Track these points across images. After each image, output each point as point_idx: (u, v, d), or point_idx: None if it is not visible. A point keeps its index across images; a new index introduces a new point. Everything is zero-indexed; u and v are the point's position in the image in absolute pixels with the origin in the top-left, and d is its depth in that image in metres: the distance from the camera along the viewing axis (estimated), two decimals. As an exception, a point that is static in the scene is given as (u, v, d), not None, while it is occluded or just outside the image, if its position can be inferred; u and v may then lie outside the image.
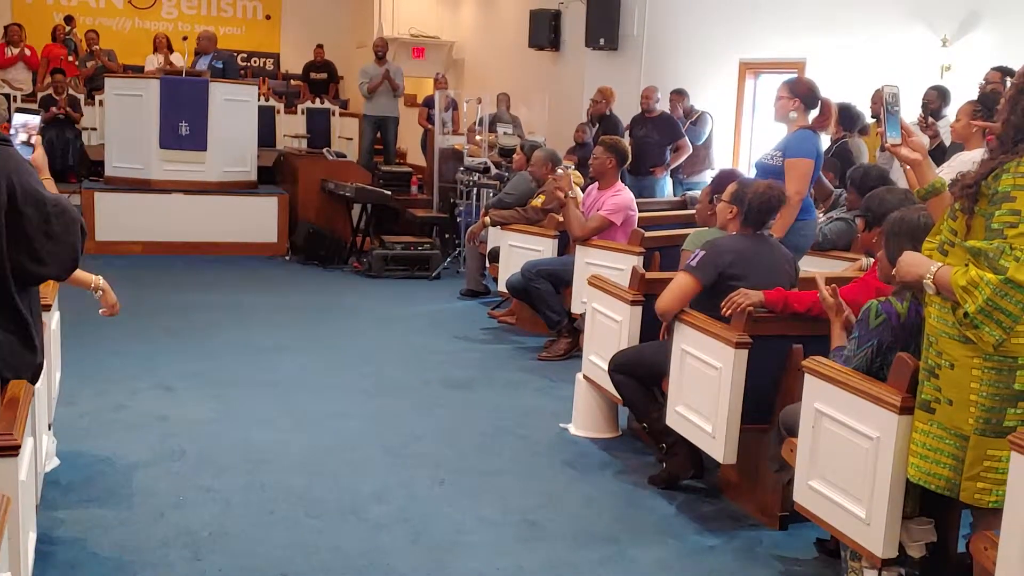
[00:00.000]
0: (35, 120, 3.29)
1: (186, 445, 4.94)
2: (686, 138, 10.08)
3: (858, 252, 5.91)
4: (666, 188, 10.33)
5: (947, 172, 5.08)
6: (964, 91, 6.98)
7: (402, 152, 15.25)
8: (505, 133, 11.05)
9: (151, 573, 3.64)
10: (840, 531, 3.47)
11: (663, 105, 10.37)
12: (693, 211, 6.47)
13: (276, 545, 3.90)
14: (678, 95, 10.46)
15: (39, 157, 3.47)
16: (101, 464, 4.65)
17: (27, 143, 3.30)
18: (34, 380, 3.22)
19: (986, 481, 2.94)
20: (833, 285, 3.92)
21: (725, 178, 5.45)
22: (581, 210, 6.98)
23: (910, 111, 7.33)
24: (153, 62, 12.95)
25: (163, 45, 13.45)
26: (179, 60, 13.04)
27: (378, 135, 13.11)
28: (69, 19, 15.23)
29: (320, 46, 15.94)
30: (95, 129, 12.61)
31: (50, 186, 3.26)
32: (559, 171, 7.16)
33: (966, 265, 2.85)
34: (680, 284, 4.41)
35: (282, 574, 3.68)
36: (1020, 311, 2.77)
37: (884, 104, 3.29)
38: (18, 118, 3.43)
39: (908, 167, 3.33)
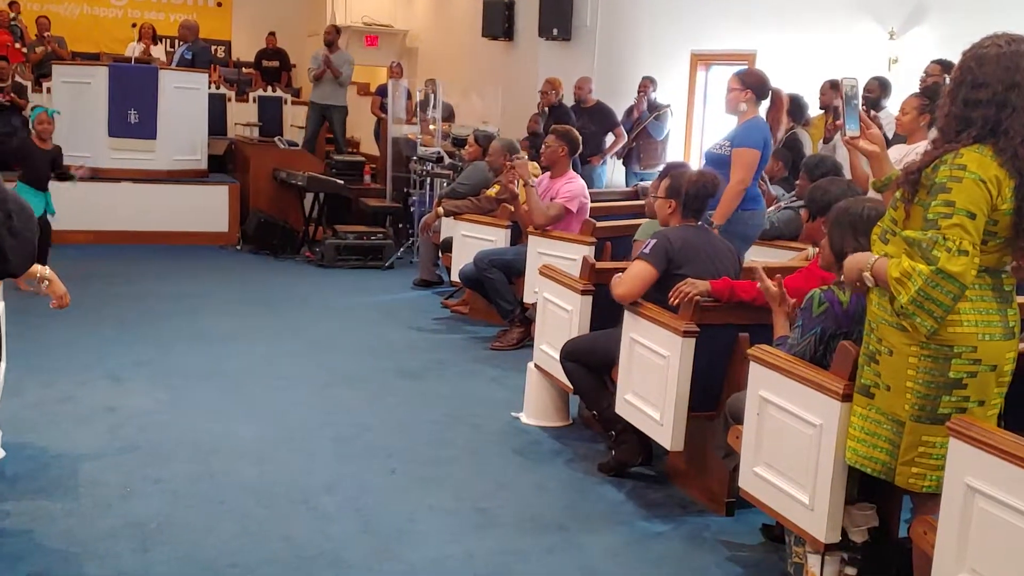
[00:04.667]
0: None
1: (134, 436, 4.91)
2: (622, 127, 10.17)
3: (805, 242, 5.98)
4: (604, 177, 10.42)
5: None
6: (911, 84, 7.09)
7: (355, 141, 15.17)
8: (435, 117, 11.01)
9: (98, 565, 3.62)
10: (784, 516, 3.53)
11: (622, 92, 10.41)
12: (644, 201, 6.50)
13: (226, 536, 3.89)
14: (648, 81, 10.48)
15: None
16: (47, 455, 4.60)
17: None
18: None
19: (920, 466, 3.01)
20: (778, 276, 3.98)
21: (675, 171, 5.49)
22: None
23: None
24: (135, 50, 12.82)
25: (148, 35, 13.29)
26: (159, 53, 12.95)
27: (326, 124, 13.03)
28: (14, 4, 14.97)
29: (272, 34, 15.82)
30: (42, 117, 12.40)
31: None
32: (516, 159, 7.15)
33: (902, 257, 2.90)
34: (638, 271, 4.46)
35: (232, 564, 3.67)
36: (951, 301, 2.83)
37: (844, 97, 3.33)
38: None
39: (861, 159, 3.39)
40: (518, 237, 7.38)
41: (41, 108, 8.37)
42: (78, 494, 4.20)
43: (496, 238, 7.52)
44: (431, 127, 10.96)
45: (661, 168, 10.06)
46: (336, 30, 13.06)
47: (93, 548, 3.73)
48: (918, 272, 2.82)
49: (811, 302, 3.48)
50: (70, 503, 4.11)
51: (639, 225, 5.99)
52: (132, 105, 10.26)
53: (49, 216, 7.89)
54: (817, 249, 4.36)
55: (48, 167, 7.94)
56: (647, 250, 4.47)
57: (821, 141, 7.88)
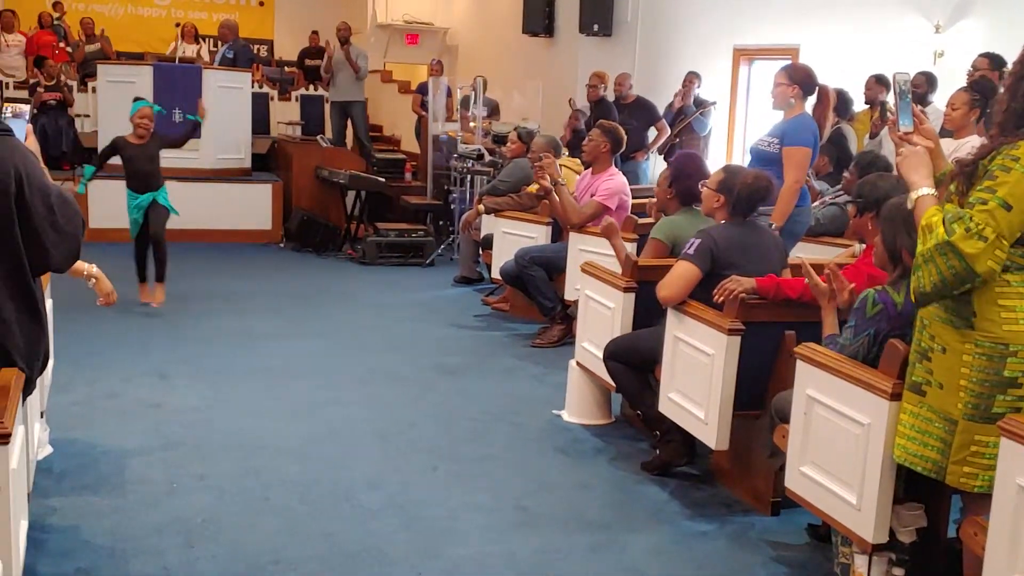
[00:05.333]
0: (24, 108, 3.31)
1: (179, 432, 4.95)
2: (664, 120, 10.11)
3: (851, 238, 5.92)
4: (649, 172, 10.37)
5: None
6: (957, 78, 6.99)
7: (396, 139, 15.21)
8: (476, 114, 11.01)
9: (144, 560, 3.65)
10: (831, 516, 3.48)
11: (664, 87, 10.36)
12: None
13: (269, 532, 3.91)
14: (694, 76, 10.42)
15: (31, 146, 3.47)
16: (94, 452, 4.65)
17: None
18: (43, 368, 3.24)
19: (972, 466, 2.95)
20: (826, 272, 3.92)
21: (683, 163, 5.41)
22: (574, 195, 6.98)
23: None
24: (183, 50, 12.92)
25: (191, 34, 13.39)
26: (203, 53, 13.04)
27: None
28: (57, 5, 15.14)
29: (315, 32, 15.88)
30: (88, 116, 12.57)
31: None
32: (544, 157, 7.08)
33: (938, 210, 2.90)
34: (682, 272, 4.40)
35: (275, 561, 3.69)
36: (952, 277, 2.82)
37: (897, 91, 3.27)
38: (16, 108, 3.45)
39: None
40: (559, 234, 7.36)
41: (144, 101, 7.80)
42: (124, 490, 4.24)
43: (537, 235, 7.50)
44: (471, 124, 10.96)
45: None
46: (347, 25, 13.05)
47: (139, 544, 3.76)
48: (936, 234, 2.83)
49: (865, 302, 3.42)
50: (117, 499, 4.14)
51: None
52: (176, 104, 10.34)
53: (172, 214, 7.62)
54: (863, 245, 4.30)
55: (151, 163, 7.46)
56: (691, 250, 4.41)
57: (867, 136, 7.79)
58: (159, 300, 7.40)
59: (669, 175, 5.31)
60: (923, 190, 3.00)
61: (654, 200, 5.73)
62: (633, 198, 7.57)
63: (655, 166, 10.77)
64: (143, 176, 7.37)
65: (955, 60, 7.68)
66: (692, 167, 5.29)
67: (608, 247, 6.39)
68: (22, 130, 3.42)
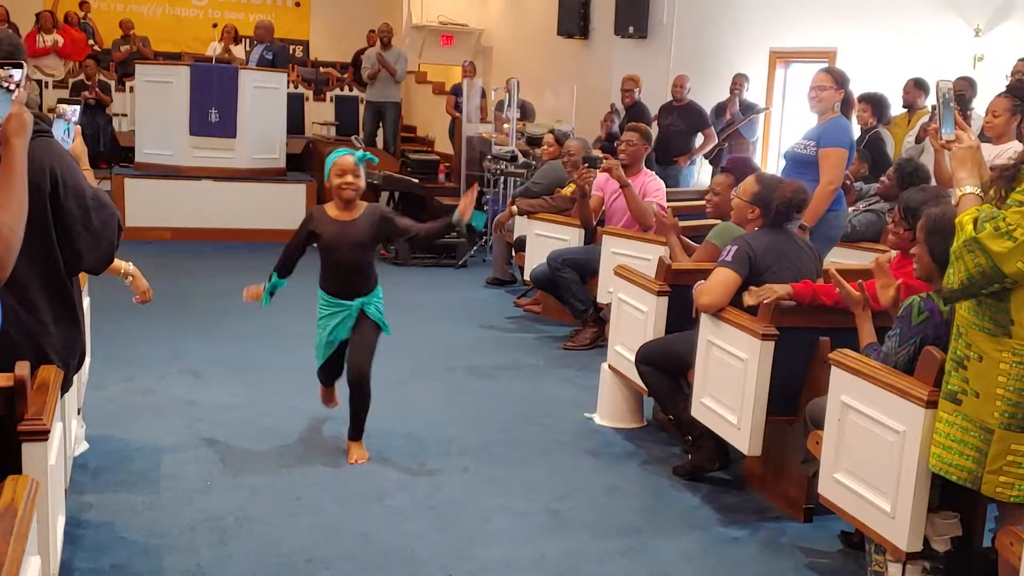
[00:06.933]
0: (74, 109, 3.34)
1: (213, 431, 4.99)
2: (712, 128, 10.03)
3: (887, 244, 5.86)
4: (691, 178, 10.30)
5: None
6: (997, 82, 6.92)
7: (430, 140, 15.25)
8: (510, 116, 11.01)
9: (178, 557, 3.68)
10: (865, 524, 3.46)
11: (699, 90, 10.31)
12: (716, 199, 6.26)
13: (301, 531, 3.93)
14: (742, 78, 10.33)
15: (78, 147, 3.50)
16: (129, 449, 4.70)
17: (64, 137, 3.37)
18: (79, 366, 3.28)
19: (1009, 475, 2.93)
20: (860, 280, 3.90)
21: (743, 168, 5.35)
22: (600, 196, 6.96)
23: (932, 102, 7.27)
24: (216, 49, 13.06)
25: (230, 35, 13.52)
26: (239, 53, 13.17)
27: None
28: (84, 4, 15.28)
29: (373, 31, 15.93)
30: (125, 115, 12.70)
31: (88, 177, 3.29)
32: (603, 160, 6.99)
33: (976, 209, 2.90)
34: (723, 279, 4.37)
35: (307, 560, 3.71)
36: (978, 274, 2.84)
37: (940, 99, 3.25)
38: (61, 109, 3.48)
39: (948, 161, 3.32)
40: (591, 236, 7.35)
41: (343, 150, 5.01)
42: (159, 487, 4.28)
43: (569, 237, 7.49)
44: (505, 126, 10.96)
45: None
46: (389, 27, 13.10)
47: (173, 541, 3.80)
48: (966, 230, 2.85)
49: (910, 310, 3.39)
50: (151, 496, 4.18)
51: (714, 225, 5.85)
52: (213, 104, 10.43)
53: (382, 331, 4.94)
54: (897, 252, 4.26)
55: (358, 253, 4.84)
56: (729, 257, 4.37)
57: (912, 138, 7.67)
58: (356, 459, 4.64)
59: (734, 183, 5.14)
60: (967, 188, 2.99)
61: (710, 204, 5.56)
62: (678, 202, 7.55)
63: (700, 172, 10.67)
64: (344, 271, 4.86)
65: (995, 64, 7.60)
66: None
67: (641, 250, 6.41)
68: (61, 131, 3.44)
